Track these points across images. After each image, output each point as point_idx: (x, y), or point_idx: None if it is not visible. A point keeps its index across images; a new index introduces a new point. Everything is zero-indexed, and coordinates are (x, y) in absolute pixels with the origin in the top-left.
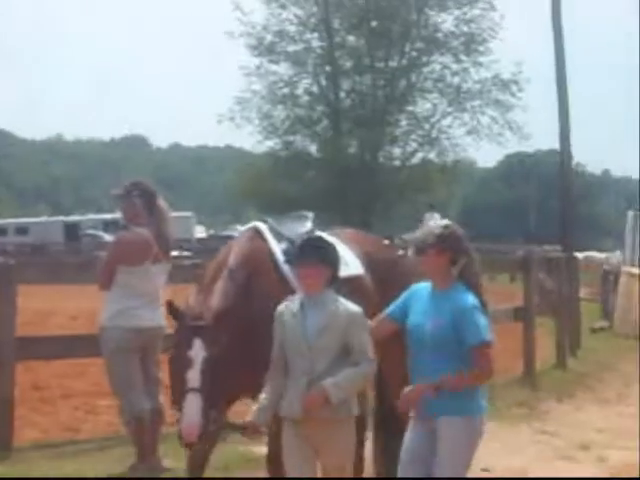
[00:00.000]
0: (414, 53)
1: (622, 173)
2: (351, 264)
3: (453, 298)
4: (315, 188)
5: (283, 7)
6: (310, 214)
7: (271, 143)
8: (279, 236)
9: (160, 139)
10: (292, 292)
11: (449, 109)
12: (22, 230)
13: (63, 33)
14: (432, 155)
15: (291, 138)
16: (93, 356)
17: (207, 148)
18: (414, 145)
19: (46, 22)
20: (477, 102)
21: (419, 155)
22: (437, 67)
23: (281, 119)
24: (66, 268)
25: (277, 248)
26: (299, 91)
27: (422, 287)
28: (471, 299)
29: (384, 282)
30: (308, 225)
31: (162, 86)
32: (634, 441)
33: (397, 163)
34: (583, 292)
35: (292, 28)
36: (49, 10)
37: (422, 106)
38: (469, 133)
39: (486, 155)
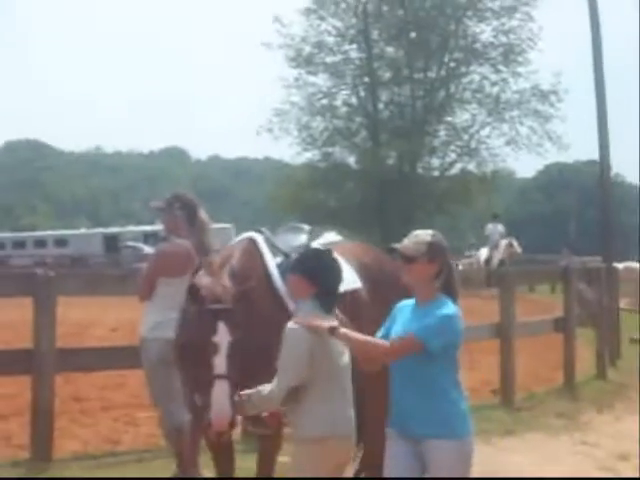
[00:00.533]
0: (452, 64)
1: None
2: (346, 279)
3: (436, 310)
4: (354, 199)
5: (322, 19)
6: (306, 227)
7: (310, 154)
8: (274, 249)
9: (199, 151)
10: (284, 307)
11: (488, 119)
12: (61, 242)
13: (105, 43)
14: (471, 166)
15: (330, 149)
16: (133, 367)
17: (246, 160)
18: (453, 156)
19: (88, 32)
20: (516, 112)
21: (458, 166)
22: (476, 77)
23: (319, 130)
24: (106, 280)
25: (272, 262)
26: (337, 102)
27: (406, 302)
28: (452, 308)
29: (386, 298)
30: (303, 238)
31: (201, 98)
32: None
33: (436, 174)
34: (623, 302)
35: (331, 39)
36: (93, 18)
37: (461, 117)
38: (508, 143)
39: (525, 165)
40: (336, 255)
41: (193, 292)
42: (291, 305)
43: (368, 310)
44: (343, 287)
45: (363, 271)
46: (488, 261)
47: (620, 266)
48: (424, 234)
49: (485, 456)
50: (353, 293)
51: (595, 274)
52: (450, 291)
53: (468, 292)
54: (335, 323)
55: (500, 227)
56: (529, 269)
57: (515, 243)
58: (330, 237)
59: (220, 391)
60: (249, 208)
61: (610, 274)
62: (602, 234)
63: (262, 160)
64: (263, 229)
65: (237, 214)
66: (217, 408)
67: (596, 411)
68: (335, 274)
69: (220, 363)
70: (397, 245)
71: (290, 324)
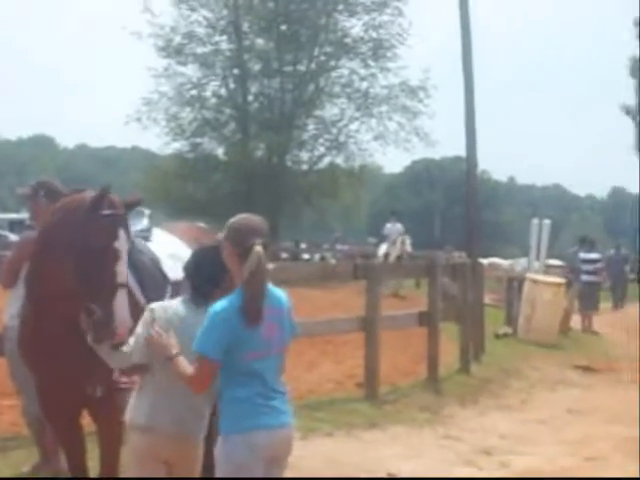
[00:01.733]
0: (322, 57)
1: (527, 181)
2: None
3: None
4: (222, 191)
5: (192, 9)
6: (146, 210)
7: (178, 145)
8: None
9: (67, 139)
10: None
11: (357, 114)
12: None
13: None
14: (339, 160)
15: (198, 140)
16: None
17: (114, 149)
18: (321, 149)
19: None
20: (384, 108)
21: (326, 160)
22: (345, 72)
23: (188, 121)
24: None
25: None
26: (207, 93)
27: None
28: (220, 303)
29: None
30: (144, 222)
31: (69, 86)
32: (536, 447)
33: (304, 167)
34: (487, 298)
35: (201, 30)
36: None
37: (330, 111)
38: (376, 138)
39: (393, 161)
40: (176, 239)
41: (93, 200)
42: (138, 295)
43: None
44: (179, 274)
45: None
46: (387, 256)
47: (485, 262)
48: (231, 220)
49: (349, 448)
50: None
51: (460, 269)
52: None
53: (335, 285)
54: (174, 351)
55: (399, 226)
56: (395, 264)
57: (407, 241)
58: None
59: (123, 300)
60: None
61: (475, 270)
62: (467, 230)
63: (130, 150)
64: None
65: None
66: (122, 316)
67: (459, 405)
68: (205, 269)
69: (122, 271)
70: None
71: (153, 304)
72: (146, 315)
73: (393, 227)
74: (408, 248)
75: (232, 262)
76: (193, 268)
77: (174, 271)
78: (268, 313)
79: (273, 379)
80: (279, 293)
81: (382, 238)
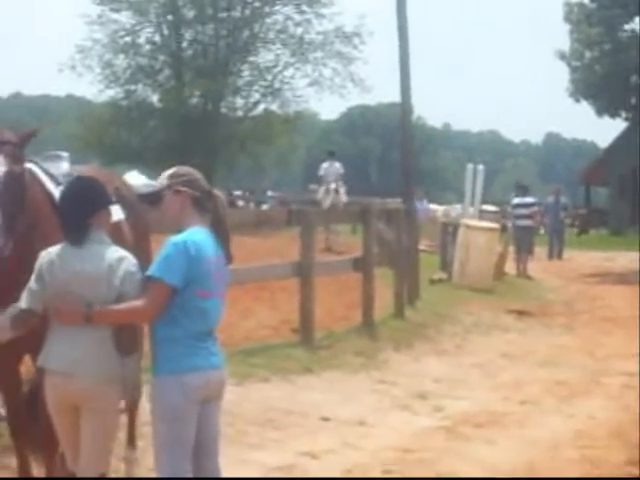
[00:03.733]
0: (257, 3)
1: (462, 127)
2: (113, 208)
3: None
4: (157, 138)
5: None
6: (65, 154)
7: (112, 92)
8: (52, 177)
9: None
10: None
11: (291, 60)
12: None
13: None
14: (274, 106)
15: (132, 87)
16: None
17: (48, 97)
18: (256, 96)
19: None
20: (319, 54)
21: (261, 106)
22: (280, 18)
23: (122, 68)
24: None
25: (54, 190)
26: (141, 40)
27: None
28: (180, 237)
29: (134, 220)
30: (65, 166)
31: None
32: (469, 391)
33: (239, 114)
34: (422, 244)
35: None
36: None
37: (265, 57)
38: (311, 85)
39: (328, 107)
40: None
41: None
42: None
43: (129, 243)
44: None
45: (121, 201)
46: (321, 203)
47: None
48: (171, 169)
49: (284, 394)
50: (116, 225)
51: (395, 215)
52: (213, 221)
53: (270, 232)
54: (85, 309)
55: (337, 166)
56: (329, 210)
57: (342, 190)
58: (133, 176)
59: None
60: (51, 147)
61: (409, 215)
62: (403, 176)
63: (64, 98)
64: (36, 159)
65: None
66: None
67: (394, 350)
68: (78, 204)
69: None
70: (141, 189)
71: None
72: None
73: (330, 168)
74: (343, 197)
75: (179, 204)
76: (67, 203)
77: None
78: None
79: (213, 321)
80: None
81: (319, 180)
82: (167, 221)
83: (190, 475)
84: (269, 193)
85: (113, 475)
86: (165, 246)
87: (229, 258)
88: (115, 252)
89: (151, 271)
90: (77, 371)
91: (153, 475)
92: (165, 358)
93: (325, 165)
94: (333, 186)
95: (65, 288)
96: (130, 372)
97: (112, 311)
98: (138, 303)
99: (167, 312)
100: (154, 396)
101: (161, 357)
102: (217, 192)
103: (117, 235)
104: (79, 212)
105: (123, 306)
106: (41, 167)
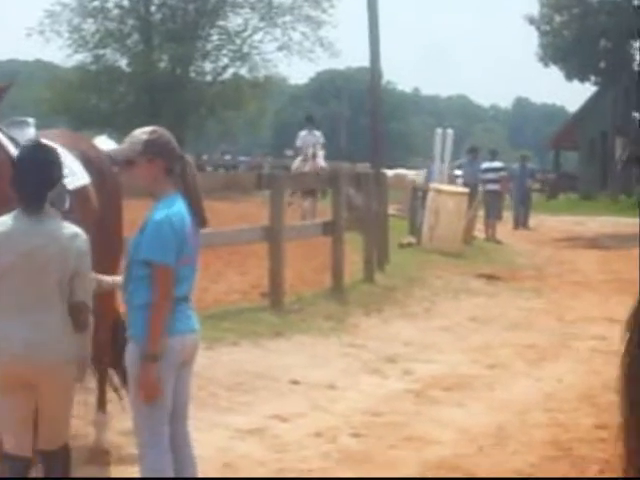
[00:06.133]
0: None
1: (431, 91)
2: (78, 172)
3: (152, 211)
4: (126, 103)
5: None
6: (31, 120)
7: (81, 57)
8: (15, 142)
9: None
10: None
11: (260, 24)
12: None
13: None
14: (243, 71)
15: (101, 52)
16: None
17: (16, 62)
18: (225, 60)
19: None
20: (288, 18)
21: (230, 70)
22: None
23: (91, 33)
24: None
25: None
26: (109, 4)
27: None
28: (159, 213)
29: (102, 184)
30: (31, 132)
31: None
32: (439, 354)
33: (208, 78)
34: (392, 208)
35: None
36: None
37: (233, 21)
38: (280, 49)
39: (298, 72)
40: (57, 146)
41: None
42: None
43: (95, 208)
44: (72, 183)
45: (88, 164)
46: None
47: (390, 173)
48: (140, 132)
49: (254, 357)
50: (82, 189)
51: (364, 179)
52: (185, 187)
53: (240, 196)
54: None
55: (318, 134)
56: (298, 174)
57: (320, 153)
58: (101, 141)
59: None
60: (18, 112)
61: (379, 180)
62: (372, 141)
63: (33, 62)
64: (1, 126)
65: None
66: None
67: (364, 314)
68: (40, 171)
69: None
70: (111, 150)
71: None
72: None
73: (309, 136)
74: (321, 163)
75: (153, 172)
76: (26, 168)
77: (68, 180)
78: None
79: (190, 286)
80: None
81: (296, 151)
82: (138, 186)
83: (167, 438)
84: (241, 158)
85: (83, 439)
86: (153, 226)
87: (204, 222)
88: (68, 228)
89: (151, 256)
90: (39, 352)
91: (122, 438)
92: (144, 323)
93: (303, 133)
94: (310, 150)
95: (18, 264)
96: (84, 348)
97: (153, 330)
98: (156, 299)
99: (146, 279)
100: (135, 361)
101: (142, 323)
102: (187, 157)
103: (81, 200)
104: (39, 180)
105: (152, 318)
106: (6, 134)
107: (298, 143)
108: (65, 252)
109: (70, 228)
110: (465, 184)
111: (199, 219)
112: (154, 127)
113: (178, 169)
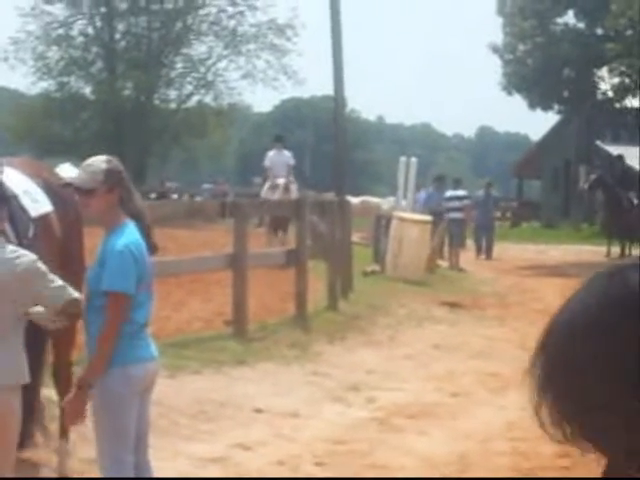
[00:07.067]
0: None
1: (395, 120)
2: (41, 200)
3: (109, 241)
4: (90, 130)
5: None
6: None
7: (45, 84)
8: None
9: None
10: None
11: (225, 52)
12: None
13: None
14: (208, 98)
15: (65, 79)
16: None
17: None
18: (190, 88)
19: None
20: (252, 46)
21: (195, 98)
22: (213, 10)
23: (55, 60)
24: None
25: None
26: (74, 32)
27: None
28: (119, 242)
29: (64, 212)
30: None
31: None
32: (402, 382)
33: (173, 106)
34: (356, 236)
35: None
36: None
37: (198, 49)
38: (244, 77)
39: (262, 100)
40: (16, 173)
41: None
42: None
43: (58, 236)
44: (36, 210)
45: (50, 192)
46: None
47: (357, 200)
48: (98, 161)
49: (217, 385)
50: (45, 217)
51: (328, 207)
52: (136, 215)
53: (203, 224)
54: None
55: (287, 155)
56: (263, 201)
57: (293, 187)
58: (65, 169)
59: None
60: None
61: (343, 208)
62: (335, 168)
63: None
64: None
65: None
66: None
67: (328, 342)
68: None
69: None
70: (71, 179)
71: None
72: None
73: (277, 157)
74: (294, 195)
75: (111, 201)
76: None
77: (32, 208)
78: None
79: (149, 312)
80: None
81: (263, 172)
82: (91, 215)
83: (131, 466)
84: (205, 186)
85: (46, 467)
86: (113, 256)
87: (154, 249)
88: (14, 252)
89: (109, 286)
90: None
91: (86, 466)
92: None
93: (271, 154)
94: (282, 181)
95: None
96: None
97: (99, 357)
98: (108, 328)
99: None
100: (98, 387)
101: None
102: (132, 185)
103: (45, 227)
104: None
105: (101, 346)
106: None
107: (266, 163)
108: (20, 278)
109: (16, 251)
110: (431, 212)
111: (149, 246)
112: (107, 156)
113: (126, 197)
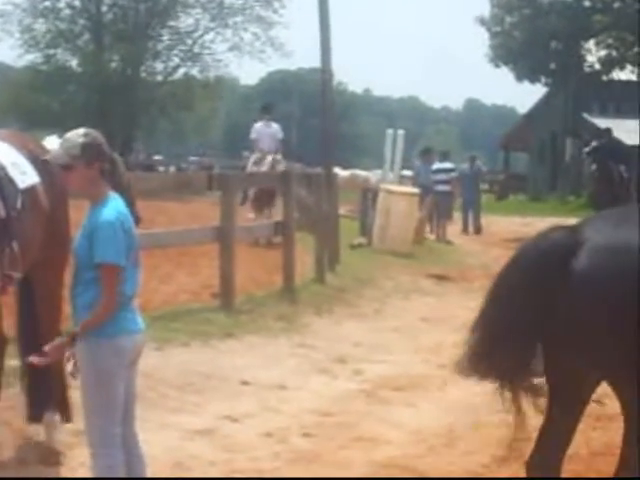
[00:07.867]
0: None
1: (383, 92)
2: (29, 172)
3: (96, 213)
4: (77, 103)
5: None
6: None
7: (32, 57)
8: None
9: None
10: None
11: (211, 25)
12: None
13: None
14: (194, 71)
15: (52, 52)
16: None
17: None
18: (176, 60)
19: None
20: (239, 18)
21: (181, 71)
22: None
23: (42, 32)
24: None
25: None
26: (61, 4)
27: None
28: (107, 214)
29: (50, 183)
30: None
31: None
32: (389, 355)
33: (159, 78)
34: (343, 209)
35: None
36: None
37: (185, 21)
38: (231, 49)
39: (249, 72)
40: (4, 145)
41: None
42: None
43: (45, 207)
44: (24, 182)
45: (35, 163)
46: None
47: (346, 173)
48: (75, 136)
49: (204, 358)
50: (32, 189)
51: (315, 180)
52: (120, 188)
53: (191, 196)
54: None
55: (275, 127)
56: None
57: (280, 167)
58: (52, 141)
59: None
60: None
61: (330, 181)
62: (323, 142)
63: None
64: None
65: None
66: None
67: (315, 314)
68: None
69: None
70: (48, 156)
71: None
72: None
73: (265, 129)
74: (282, 168)
75: (91, 176)
76: None
77: (19, 179)
78: None
79: (137, 285)
80: None
81: (250, 145)
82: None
83: (119, 439)
84: (192, 158)
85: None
86: (102, 228)
87: (138, 221)
88: None
89: (102, 258)
90: None
91: (75, 439)
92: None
93: (258, 126)
94: (269, 159)
95: None
96: None
97: (90, 322)
98: (106, 299)
99: (96, 281)
100: (87, 360)
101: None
102: (116, 157)
103: (32, 199)
104: None
105: (95, 311)
106: None
107: (253, 135)
108: None
109: None
110: (419, 185)
111: (134, 218)
112: (86, 129)
113: (109, 169)
